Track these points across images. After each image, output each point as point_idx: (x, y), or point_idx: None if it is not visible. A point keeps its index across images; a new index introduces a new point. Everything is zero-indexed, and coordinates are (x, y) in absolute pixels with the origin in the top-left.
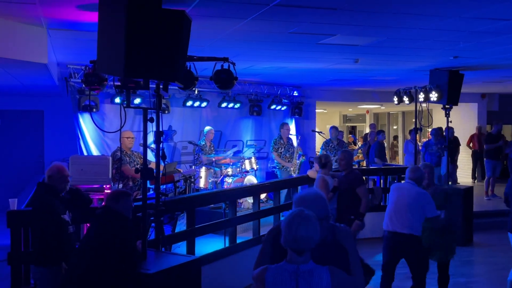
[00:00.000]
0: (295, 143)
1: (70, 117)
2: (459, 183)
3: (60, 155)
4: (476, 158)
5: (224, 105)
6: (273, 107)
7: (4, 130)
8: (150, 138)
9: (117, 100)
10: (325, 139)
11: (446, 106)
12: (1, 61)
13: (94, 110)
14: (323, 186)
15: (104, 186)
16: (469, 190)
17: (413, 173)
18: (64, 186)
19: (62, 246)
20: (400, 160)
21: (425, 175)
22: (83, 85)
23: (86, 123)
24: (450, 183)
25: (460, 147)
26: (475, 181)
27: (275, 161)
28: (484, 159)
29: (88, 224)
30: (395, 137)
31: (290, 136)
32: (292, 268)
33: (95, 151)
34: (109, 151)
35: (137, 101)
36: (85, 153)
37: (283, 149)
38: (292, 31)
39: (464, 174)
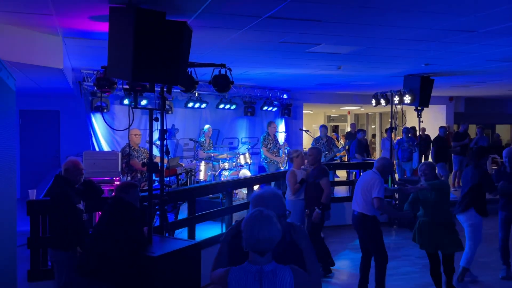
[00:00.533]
0: (283, 139)
1: (84, 117)
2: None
3: (75, 150)
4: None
5: (221, 106)
6: (265, 108)
7: (24, 128)
8: (155, 135)
9: (126, 101)
10: (310, 136)
11: (418, 108)
12: (22, 66)
13: (105, 110)
14: (290, 178)
15: (114, 178)
16: None
17: (377, 163)
18: (78, 178)
19: (77, 232)
20: (377, 156)
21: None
22: (95, 88)
23: (98, 122)
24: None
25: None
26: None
27: (263, 155)
28: (452, 155)
29: (100, 213)
30: (373, 135)
31: (278, 133)
32: (255, 268)
33: (106, 147)
34: (119, 147)
35: (144, 102)
36: (97, 149)
37: (271, 145)
38: (282, 40)
39: None
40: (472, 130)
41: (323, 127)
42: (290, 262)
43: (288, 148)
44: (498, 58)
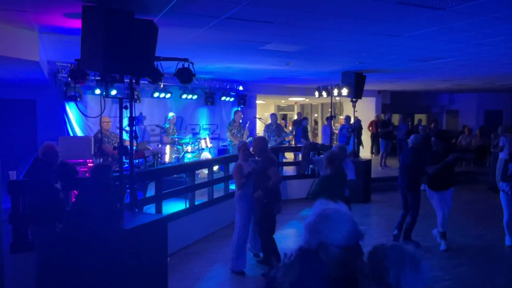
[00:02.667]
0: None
1: (58, 105)
2: (361, 157)
3: (51, 136)
4: (374, 138)
5: (184, 96)
6: (223, 98)
7: (2, 116)
8: (125, 122)
9: (97, 91)
10: (263, 123)
11: (353, 100)
12: (0, 58)
13: (78, 99)
14: (236, 172)
15: (88, 160)
16: (368, 162)
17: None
18: (55, 161)
19: (55, 209)
20: (319, 140)
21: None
22: (69, 79)
23: (71, 110)
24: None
25: (363, 130)
26: (373, 155)
27: (228, 139)
28: (379, 139)
29: (75, 192)
30: (316, 123)
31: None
32: None
33: (79, 133)
34: (92, 133)
35: (114, 92)
36: (71, 134)
37: (235, 130)
38: (239, 39)
39: (365, 150)
40: (396, 118)
41: (273, 115)
42: None
43: (249, 135)
44: (418, 59)
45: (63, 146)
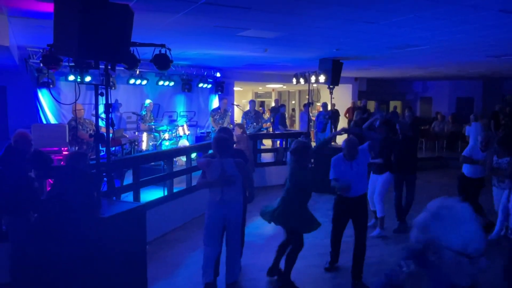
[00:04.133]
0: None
1: (30, 92)
2: (338, 143)
3: (22, 124)
4: (350, 125)
5: (161, 83)
6: (200, 85)
7: None
8: (101, 109)
9: (71, 78)
10: (241, 110)
11: (330, 86)
12: None
13: (51, 86)
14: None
15: (62, 148)
16: None
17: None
18: (28, 149)
19: (30, 198)
20: (297, 127)
21: None
22: (41, 65)
23: (44, 97)
24: (333, 143)
25: (340, 117)
26: None
27: (211, 126)
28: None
29: (50, 180)
30: (293, 110)
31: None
32: None
33: (52, 120)
34: (65, 120)
35: (88, 78)
36: (44, 122)
37: (218, 116)
38: (216, 25)
39: (342, 137)
40: (372, 105)
41: (252, 102)
42: None
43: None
44: (394, 46)
45: (36, 134)
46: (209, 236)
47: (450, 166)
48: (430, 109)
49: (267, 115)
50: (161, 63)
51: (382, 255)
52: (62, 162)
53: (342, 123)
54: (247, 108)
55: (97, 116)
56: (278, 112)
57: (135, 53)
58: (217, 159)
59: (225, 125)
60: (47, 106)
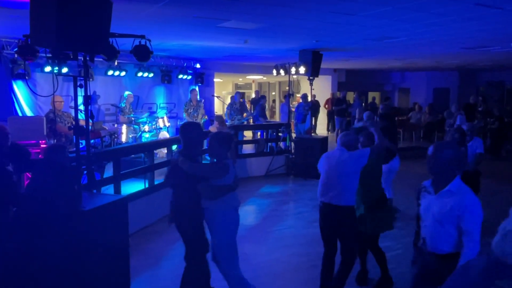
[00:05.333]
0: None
1: (5, 84)
2: (318, 134)
3: None
4: (330, 116)
5: (140, 74)
6: (180, 76)
7: None
8: (78, 101)
9: (47, 69)
10: (222, 102)
11: (310, 78)
12: None
13: (26, 77)
14: None
15: (40, 141)
16: (325, 139)
17: (344, 138)
18: (5, 142)
19: (8, 192)
20: (277, 118)
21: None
22: (15, 56)
23: (20, 89)
24: (313, 134)
25: (319, 108)
26: (329, 133)
27: (186, 119)
28: (335, 116)
29: (28, 174)
30: (273, 101)
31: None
32: None
33: (29, 113)
34: (42, 113)
35: (65, 70)
36: (20, 114)
37: (191, 109)
38: (196, 15)
39: (322, 127)
40: (351, 96)
41: (238, 94)
42: None
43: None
44: (373, 38)
45: (13, 126)
46: (235, 257)
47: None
48: (408, 100)
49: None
50: (141, 55)
51: None
52: (40, 155)
53: (322, 114)
54: (228, 99)
55: (76, 108)
56: (259, 103)
57: (114, 44)
58: (230, 160)
59: (199, 117)
60: (23, 98)
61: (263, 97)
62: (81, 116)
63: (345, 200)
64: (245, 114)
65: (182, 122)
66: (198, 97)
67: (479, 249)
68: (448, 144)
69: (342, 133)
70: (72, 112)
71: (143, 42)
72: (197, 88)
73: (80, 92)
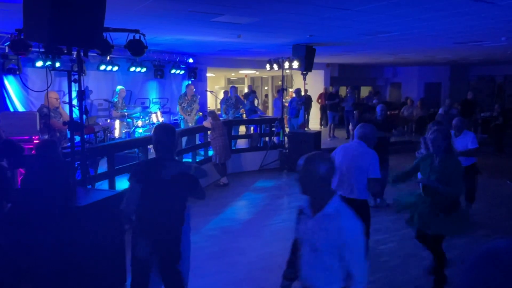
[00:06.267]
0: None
1: None
2: (310, 128)
3: None
4: (322, 110)
5: (132, 69)
6: (173, 71)
7: None
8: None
9: (38, 64)
10: (215, 96)
11: (304, 72)
12: None
13: (18, 72)
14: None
15: (33, 137)
16: (318, 133)
17: (361, 129)
18: None
19: (2, 187)
20: (270, 113)
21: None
22: (6, 50)
23: (11, 84)
24: (306, 128)
25: (312, 103)
26: (322, 127)
27: (179, 113)
28: (328, 111)
29: (21, 170)
30: (266, 96)
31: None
32: None
33: (20, 108)
34: (34, 108)
35: (57, 65)
36: (11, 110)
37: (185, 104)
38: (190, 10)
39: (315, 122)
40: (343, 90)
41: (233, 88)
42: None
43: (200, 113)
44: (366, 33)
45: (5, 122)
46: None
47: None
48: (400, 94)
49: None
50: (136, 49)
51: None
52: (33, 151)
53: (315, 108)
54: (221, 94)
55: (70, 103)
56: (248, 98)
57: (108, 38)
58: None
59: (193, 113)
60: (14, 94)
61: (253, 92)
62: (75, 111)
63: (357, 193)
64: (243, 110)
65: (176, 117)
66: (193, 93)
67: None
68: (321, 156)
69: (359, 124)
70: (65, 107)
71: (137, 36)
72: (190, 83)
73: (74, 87)
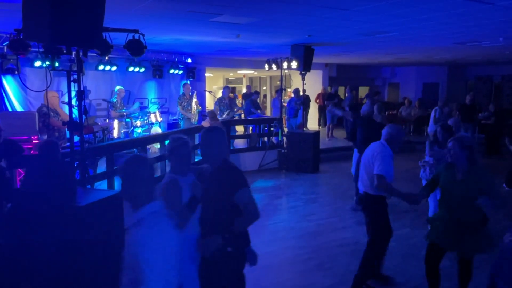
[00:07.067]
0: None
1: None
2: (309, 129)
3: None
4: (321, 110)
5: (131, 69)
6: (171, 71)
7: None
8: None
9: (37, 64)
10: (214, 96)
11: (302, 72)
12: None
13: (16, 72)
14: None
15: (32, 137)
16: (316, 133)
17: (387, 129)
18: None
19: (2, 188)
20: (268, 113)
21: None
22: (4, 50)
23: (9, 84)
24: (304, 128)
25: (311, 103)
26: (320, 127)
27: (180, 113)
28: (326, 111)
29: (20, 170)
30: (264, 96)
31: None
32: None
33: (19, 108)
34: (33, 108)
35: (56, 64)
36: (10, 109)
37: (185, 103)
38: (189, 10)
39: (313, 122)
40: (342, 91)
41: (226, 89)
42: None
43: (199, 107)
44: (364, 33)
45: (4, 122)
46: None
47: (417, 149)
48: (398, 94)
49: (239, 101)
50: (135, 49)
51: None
52: (32, 151)
53: (313, 108)
54: (219, 94)
55: (70, 103)
56: (249, 98)
57: (107, 38)
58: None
59: (193, 109)
60: (13, 94)
61: (256, 92)
62: (74, 111)
63: (371, 189)
64: (241, 110)
65: (175, 117)
66: (190, 93)
67: None
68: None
69: (387, 124)
70: (64, 107)
71: (136, 36)
72: (188, 82)
73: (73, 87)
